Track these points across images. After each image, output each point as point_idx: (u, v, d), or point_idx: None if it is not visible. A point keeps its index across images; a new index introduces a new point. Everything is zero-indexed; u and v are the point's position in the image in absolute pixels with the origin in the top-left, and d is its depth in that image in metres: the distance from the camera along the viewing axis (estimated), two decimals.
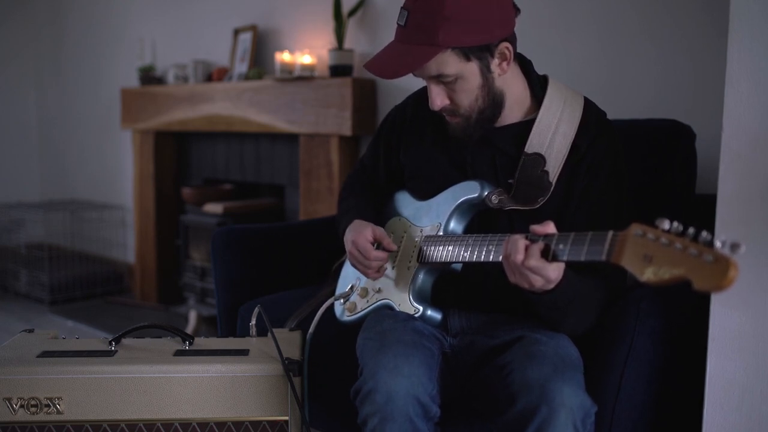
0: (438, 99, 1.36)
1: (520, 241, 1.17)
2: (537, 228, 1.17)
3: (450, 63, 1.30)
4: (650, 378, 1.33)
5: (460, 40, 1.28)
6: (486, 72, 1.33)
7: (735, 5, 1.23)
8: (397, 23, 1.34)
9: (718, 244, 0.93)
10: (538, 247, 1.15)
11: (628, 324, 1.32)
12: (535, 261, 1.15)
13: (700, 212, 1.52)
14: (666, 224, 0.99)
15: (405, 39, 1.32)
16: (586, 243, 1.11)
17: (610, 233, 1.08)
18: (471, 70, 1.32)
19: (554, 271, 1.17)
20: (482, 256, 1.29)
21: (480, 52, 1.31)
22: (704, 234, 0.94)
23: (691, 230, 0.96)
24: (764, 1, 1.21)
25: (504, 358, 1.28)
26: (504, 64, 1.34)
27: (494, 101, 1.37)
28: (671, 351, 1.36)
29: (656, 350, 1.33)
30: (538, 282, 1.17)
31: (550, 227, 1.17)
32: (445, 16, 1.26)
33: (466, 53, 1.30)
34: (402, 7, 1.33)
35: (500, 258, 1.24)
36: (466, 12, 1.26)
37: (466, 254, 1.32)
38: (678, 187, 1.68)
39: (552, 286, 1.19)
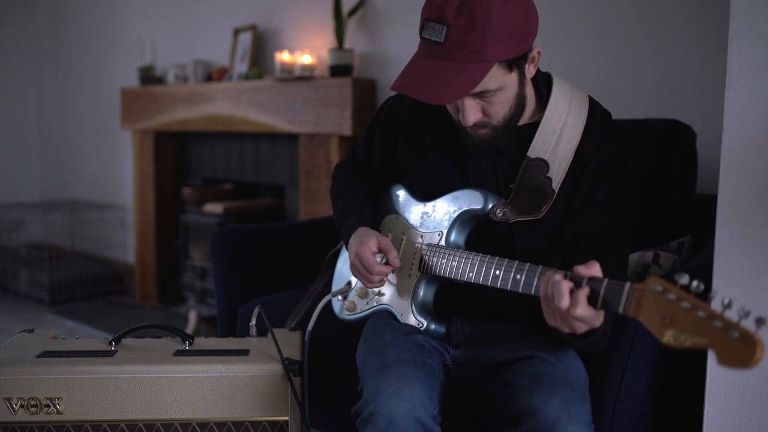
0: (472, 115, 1.28)
1: (563, 284, 1.07)
2: (581, 269, 1.08)
3: (496, 77, 1.24)
4: (651, 378, 1.33)
5: (507, 53, 1.23)
6: (522, 79, 1.30)
7: (735, 6, 1.23)
8: (428, 38, 1.23)
9: (742, 314, 0.88)
10: (584, 293, 1.05)
11: (629, 324, 1.32)
12: (583, 310, 1.05)
13: (700, 212, 1.52)
14: (685, 279, 0.94)
15: (445, 56, 1.22)
16: (601, 290, 1.05)
17: (627, 285, 1.02)
18: (511, 80, 1.27)
19: (600, 319, 1.10)
20: (488, 281, 1.25)
21: (520, 60, 1.27)
22: (726, 300, 0.90)
23: (713, 293, 0.92)
24: (764, 1, 1.20)
25: (510, 375, 1.25)
26: (532, 66, 1.31)
27: (521, 106, 1.33)
28: (672, 351, 1.36)
29: (657, 350, 1.33)
30: (581, 328, 1.10)
31: (595, 268, 1.08)
32: (493, 30, 1.19)
33: (510, 64, 1.25)
34: (433, 21, 1.22)
35: (508, 286, 1.21)
36: (510, 24, 1.21)
37: (471, 275, 1.28)
38: (678, 187, 1.68)
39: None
